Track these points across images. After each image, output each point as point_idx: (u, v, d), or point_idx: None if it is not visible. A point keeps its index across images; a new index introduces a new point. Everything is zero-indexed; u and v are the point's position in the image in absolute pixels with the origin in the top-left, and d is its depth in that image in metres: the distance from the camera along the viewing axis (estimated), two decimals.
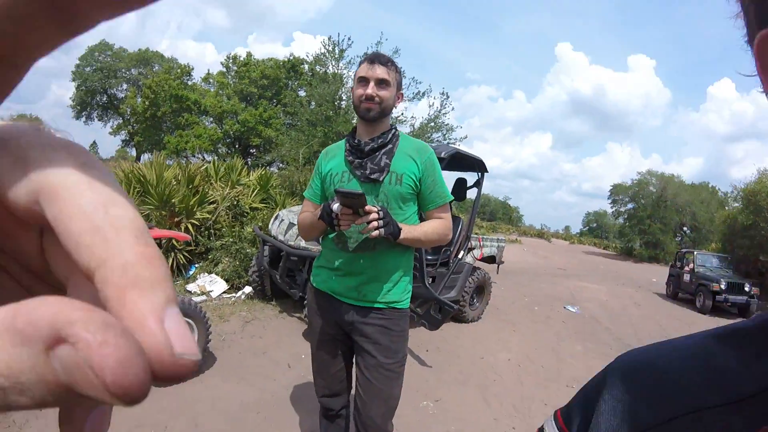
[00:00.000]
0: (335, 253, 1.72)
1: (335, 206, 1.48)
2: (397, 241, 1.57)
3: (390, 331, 1.69)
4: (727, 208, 22.71)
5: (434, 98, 15.94)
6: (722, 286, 10.08)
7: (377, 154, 1.65)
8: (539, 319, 6.86)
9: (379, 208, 1.49)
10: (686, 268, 11.66)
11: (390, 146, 1.67)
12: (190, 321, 3.09)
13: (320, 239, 1.80)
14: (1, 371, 0.12)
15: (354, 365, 1.84)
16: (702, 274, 10.91)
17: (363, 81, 1.65)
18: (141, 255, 0.16)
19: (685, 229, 30.54)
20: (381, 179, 1.63)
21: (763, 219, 15.32)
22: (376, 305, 1.68)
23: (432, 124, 16.26)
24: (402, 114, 16.37)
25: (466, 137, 18.32)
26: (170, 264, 5.36)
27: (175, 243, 5.37)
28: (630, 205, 30.82)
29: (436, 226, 1.69)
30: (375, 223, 1.47)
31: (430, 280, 4.97)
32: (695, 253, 12.15)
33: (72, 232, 0.16)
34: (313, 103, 15.38)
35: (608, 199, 31.88)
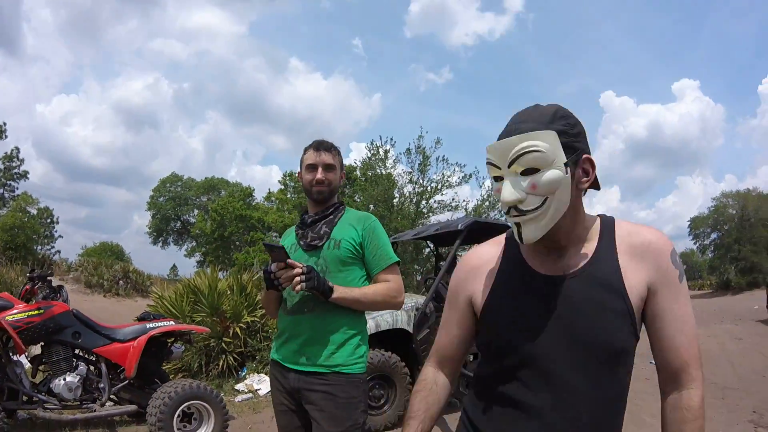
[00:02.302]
0: (281, 318, 1.78)
1: (272, 266, 1.61)
2: (331, 299, 1.61)
3: (335, 398, 1.61)
4: None
5: (484, 178, 15.92)
6: None
7: (318, 224, 1.78)
8: None
9: (304, 265, 1.58)
10: None
11: (331, 217, 1.79)
12: (205, 405, 3.47)
13: None
14: None
15: None
16: None
17: (311, 168, 1.79)
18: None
19: None
20: (320, 245, 1.73)
21: None
22: (318, 369, 1.64)
23: (486, 203, 16.02)
24: (453, 199, 16.42)
25: None
26: (221, 365, 5.61)
27: (224, 346, 5.64)
28: (714, 235, 28.32)
29: (378, 288, 1.71)
30: (297, 278, 1.54)
31: None
32: None
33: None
34: (371, 206, 16.04)
35: (689, 235, 29.44)
